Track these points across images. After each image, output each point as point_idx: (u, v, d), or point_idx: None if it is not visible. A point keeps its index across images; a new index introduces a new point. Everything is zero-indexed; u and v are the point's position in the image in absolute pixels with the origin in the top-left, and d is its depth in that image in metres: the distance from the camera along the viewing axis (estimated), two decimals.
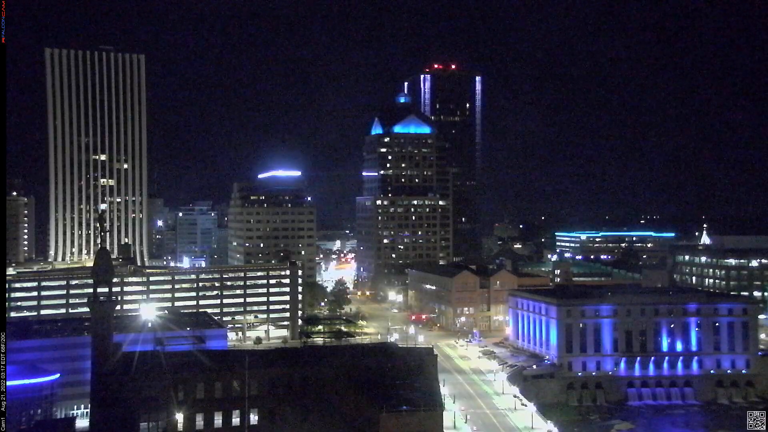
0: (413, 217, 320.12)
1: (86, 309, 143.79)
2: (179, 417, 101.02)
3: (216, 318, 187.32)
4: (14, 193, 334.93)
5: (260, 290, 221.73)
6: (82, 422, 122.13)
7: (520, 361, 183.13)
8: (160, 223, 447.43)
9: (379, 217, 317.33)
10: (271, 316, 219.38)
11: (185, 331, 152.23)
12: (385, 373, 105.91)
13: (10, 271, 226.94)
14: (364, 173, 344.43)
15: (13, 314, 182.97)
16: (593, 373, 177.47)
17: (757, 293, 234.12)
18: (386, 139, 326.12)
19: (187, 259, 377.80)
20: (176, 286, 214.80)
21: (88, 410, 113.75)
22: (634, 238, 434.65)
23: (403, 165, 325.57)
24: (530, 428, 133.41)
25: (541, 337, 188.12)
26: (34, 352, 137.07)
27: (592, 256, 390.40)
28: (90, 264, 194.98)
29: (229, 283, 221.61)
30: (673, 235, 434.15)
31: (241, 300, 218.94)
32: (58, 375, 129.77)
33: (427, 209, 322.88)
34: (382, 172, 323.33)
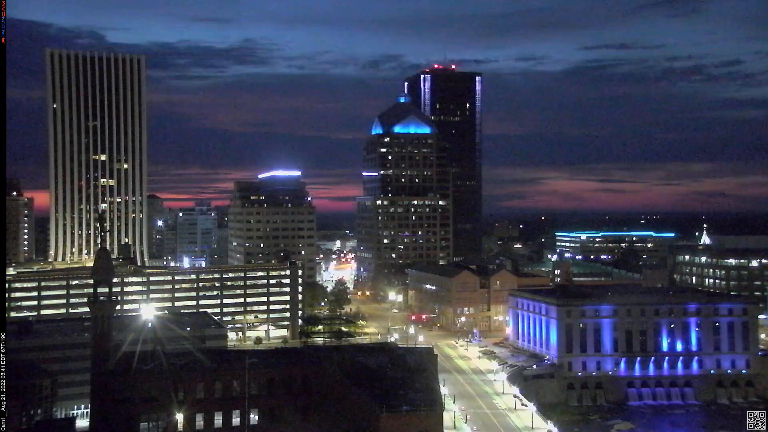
0: (413, 217, 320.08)
1: (86, 309, 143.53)
2: (179, 417, 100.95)
3: (216, 318, 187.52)
4: (14, 193, 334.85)
5: (260, 290, 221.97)
6: (82, 422, 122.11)
7: (520, 361, 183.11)
8: (160, 223, 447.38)
9: (379, 217, 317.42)
10: (271, 316, 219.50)
11: (185, 331, 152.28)
12: (385, 373, 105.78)
13: (10, 271, 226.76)
14: (364, 173, 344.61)
15: (13, 314, 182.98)
16: (593, 373, 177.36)
17: (757, 293, 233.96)
18: (386, 139, 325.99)
19: (187, 259, 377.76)
20: (176, 286, 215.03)
21: (88, 410, 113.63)
22: (634, 238, 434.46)
23: (403, 165, 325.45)
24: (530, 428, 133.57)
25: (541, 337, 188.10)
26: (34, 352, 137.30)
27: (592, 256, 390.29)
28: (90, 264, 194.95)
29: (229, 283, 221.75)
30: (673, 235, 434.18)
31: (241, 300, 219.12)
32: (58, 376, 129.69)
33: (427, 209, 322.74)
34: (382, 172, 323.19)
